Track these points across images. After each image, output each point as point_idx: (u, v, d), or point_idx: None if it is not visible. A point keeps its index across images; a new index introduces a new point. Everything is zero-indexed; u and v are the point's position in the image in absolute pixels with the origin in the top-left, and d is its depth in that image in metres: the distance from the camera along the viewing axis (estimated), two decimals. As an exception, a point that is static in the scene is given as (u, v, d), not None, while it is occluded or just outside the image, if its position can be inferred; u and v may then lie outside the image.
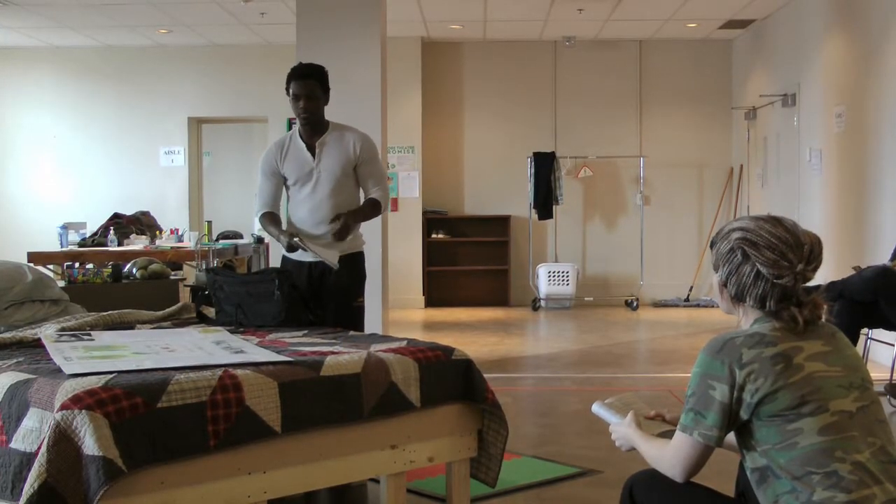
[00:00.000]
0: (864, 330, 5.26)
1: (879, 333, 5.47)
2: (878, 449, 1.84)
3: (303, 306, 3.72)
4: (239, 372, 2.67)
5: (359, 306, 4.07)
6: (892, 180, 6.51)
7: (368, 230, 6.75)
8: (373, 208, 4.01)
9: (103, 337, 3.26)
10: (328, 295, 3.94)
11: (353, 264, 4.02)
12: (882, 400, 4.92)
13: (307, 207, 3.95)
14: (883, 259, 5.57)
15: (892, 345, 5.34)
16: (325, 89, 3.95)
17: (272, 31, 9.89)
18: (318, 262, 3.91)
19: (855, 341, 4.95)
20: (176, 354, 2.90)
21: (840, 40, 7.46)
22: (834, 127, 7.49)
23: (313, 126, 3.94)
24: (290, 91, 3.91)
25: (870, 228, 6.86)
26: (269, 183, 4.04)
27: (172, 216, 10.21)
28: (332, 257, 3.83)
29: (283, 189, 4.05)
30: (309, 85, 3.88)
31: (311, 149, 3.94)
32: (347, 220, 3.84)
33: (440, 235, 10.53)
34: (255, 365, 2.73)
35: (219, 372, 2.64)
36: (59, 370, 2.66)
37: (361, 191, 4.09)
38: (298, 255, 3.97)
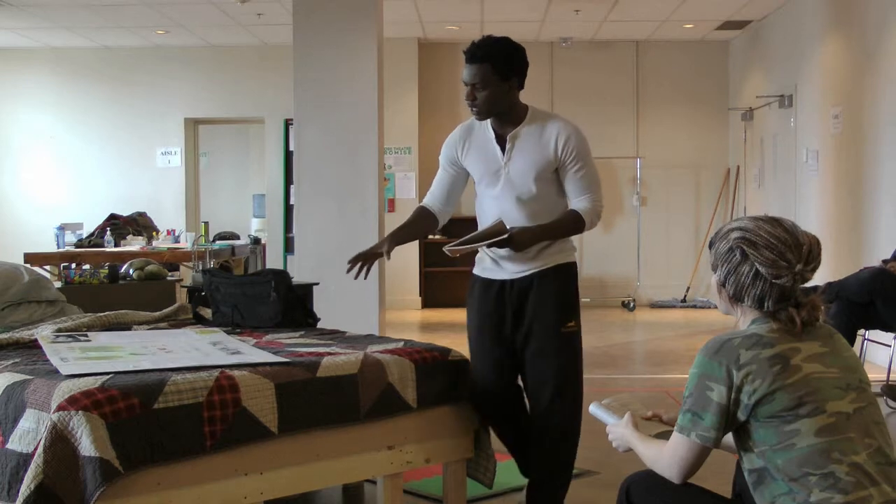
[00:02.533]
0: (861, 331, 5.26)
1: (876, 334, 5.48)
2: (874, 450, 1.85)
3: (300, 307, 3.71)
4: (236, 373, 2.67)
5: (570, 332, 3.06)
6: (889, 181, 6.52)
7: (366, 231, 6.79)
8: (573, 223, 3.04)
9: (100, 338, 3.25)
10: (529, 315, 3.04)
11: (560, 277, 3.07)
12: (879, 401, 4.92)
13: (493, 213, 3.07)
14: (880, 260, 5.57)
15: (889, 346, 5.34)
16: (508, 72, 2.99)
17: (269, 32, 9.88)
18: (515, 280, 3.05)
19: (852, 342, 4.96)
20: (173, 355, 2.90)
21: (837, 41, 7.48)
22: (831, 128, 7.50)
23: (499, 117, 3.05)
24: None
25: (866, 229, 6.87)
26: (445, 174, 3.24)
27: (169, 217, 10.20)
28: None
29: (463, 184, 3.26)
30: (479, 71, 2.97)
31: (502, 141, 3.06)
32: (522, 240, 2.95)
33: (437, 236, 10.49)
34: (252, 366, 2.73)
35: (215, 373, 2.64)
36: (56, 371, 2.65)
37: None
38: (483, 272, 3.14)
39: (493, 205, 3.08)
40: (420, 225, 3.26)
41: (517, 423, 3.17)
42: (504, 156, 3.04)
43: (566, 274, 3.09)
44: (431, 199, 3.26)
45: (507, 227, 2.94)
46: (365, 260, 3.05)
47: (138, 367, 2.66)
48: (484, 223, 3.08)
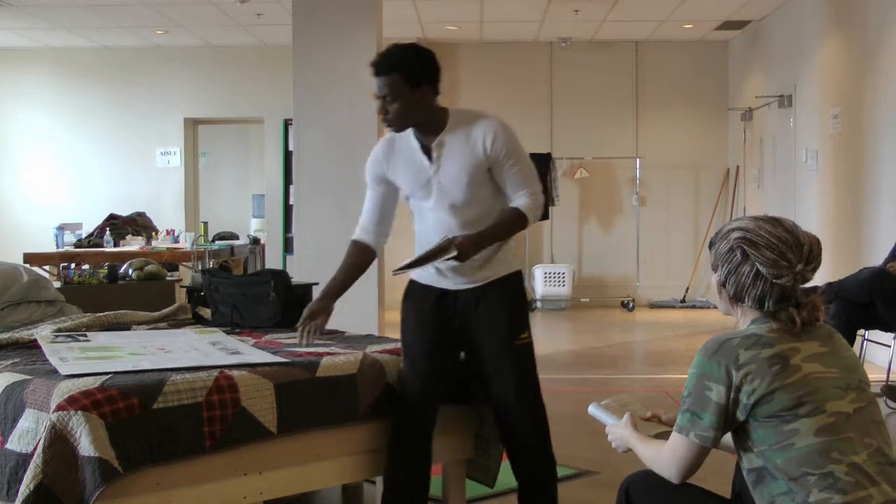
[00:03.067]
0: (861, 331, 5.27)
1: (876, 335, 5.48)
2: (874, 450, 1.84)
3: (299, 307, 3.70)
4: (235, 373, 2.67)
5: (523, 345, 2.91)
6: (889, 181, 6.52)
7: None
8: (515, 222, 2.87)
9: (99, 338, 3.25)
10: (476, 332, 2.88)
11: (507, 290, 2.91)
12: (879, 401, 4.93)
13: (432, 227, 2.91)
14: (879, 260, 5.58)
15: (889, 346, 5.34)
16: (418, 80, 2.81)
17: (268, 32, 9.88)
18: (459, 291, 2.88)
19: (851, 342, 4.96)
20: (172, 355, 2.90)
21: (836, 42, 7.48)
22: (830, 128, 7.50)
23: (419, 126, 2.89)
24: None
25: (866, 229, 6.87)
26: (374, 194, 3.02)
27: (168, 217, 10.20)
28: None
29: (395, 201, 3.05)
30: (387, 82, 2.81)
31: (427, 151, 2.89)
32: (464, 249, 2.75)
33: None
34: (251, 366, 2.73)
35: (214, 373, 2.64)
36: (55, 371, 2.65)
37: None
38: (423, 278, 2.96)
39: (430, 216, 2.91)
40: (357, 266, 3.06)
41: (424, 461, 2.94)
42: (432, 165, 2.87)
43: (513, 285, 2.93)
44: (363, 232, 3.05)
45: (452, 241, 2.78)
46: (314, 329, 2.96)
47: (138, 367, 2.66)
48: (423, 236, 2.94)
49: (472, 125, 2.89)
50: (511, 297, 2.92)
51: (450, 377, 2.97)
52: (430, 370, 2.90)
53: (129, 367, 2.65)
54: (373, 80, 2.85)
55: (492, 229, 2.84)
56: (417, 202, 2.94)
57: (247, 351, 2.98)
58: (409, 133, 2.92)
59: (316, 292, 4.40)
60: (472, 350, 2.93)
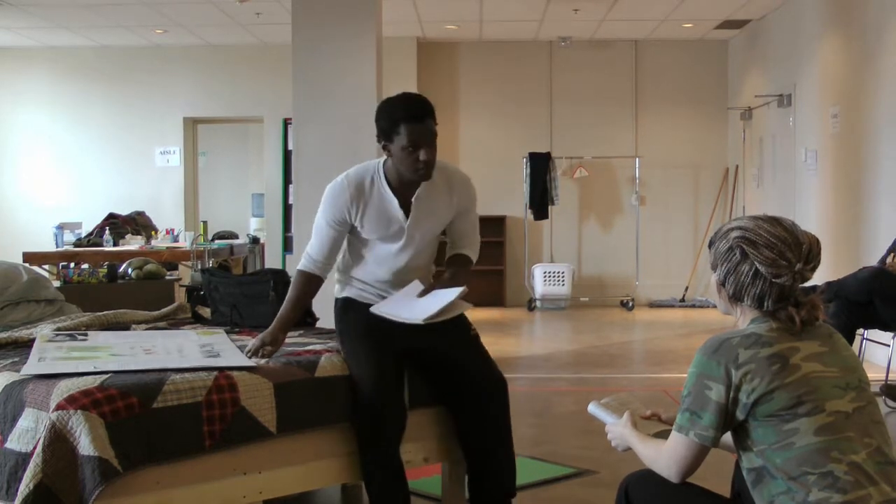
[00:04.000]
0: (860, 330, 5.27)
1: (875, 334, 5.48)
2: (874, 450, 1.84)
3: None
4: (235, 372, 2.67)
5: (475, 335, 3.15)
6: (888, 181, 6.52)
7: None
8: (468, 272, 3.11)
9: (97, 337, 3.25)
10: (427, 332, 2.92)
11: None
12: (878, 400, 4.93)
13: (387, 268, 3.04)
14: (878, 259, 5.57)
15: (888, 345, 5.35)
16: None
17: (268, 32, 9.88)
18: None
19: (851, 342, 4.96)
20: (151, 357, 2.86)
21: (836, 41, 7.48)
22: (830, 127, 7.50)
23: (401, 178, 2.95)
24: (401, 136, 2.83)
25: (865, 229, 6.87)
26: (331, 233, 3.01)
27: (168, 216, 10.19)
28: (417, 314, 2.91)
29: (344, 238, 3.09)
30: (431, 127, 2.85)
31: (403, 202, 2.96)
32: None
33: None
34: (220, 369, 2.68)
35: (214, 372, 2.64)
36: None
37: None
38: (365, 299, 3.07)
39: (388, 258, 3.02)
40: (308, 296, 3.11)
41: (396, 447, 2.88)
42: (408, 219, 2.97)
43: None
44: (314, 265, 3.06)
45: (422, 286, 2.98)
46: (262, 355, 2.90)
47: (103, 369, 2.61)
48: (370, 275, 3.06)
49: (450, 181, 3.02)
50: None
51: (401, 379, 2.96)
52: (385, 369, 2.86)
53: (91, 369, 2.60)
54: (414, 126, 2.83)
55: (464, 278, 3.08)
56: (376, 243, 3.02)
57: (227, 355, 2.93)
58: (381, 181, 2.96)
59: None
60: (418, 349, 2.97)
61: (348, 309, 3.08)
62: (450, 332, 2.99)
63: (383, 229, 2.99)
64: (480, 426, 2.98)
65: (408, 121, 2.82)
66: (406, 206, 2.97)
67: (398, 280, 3.06)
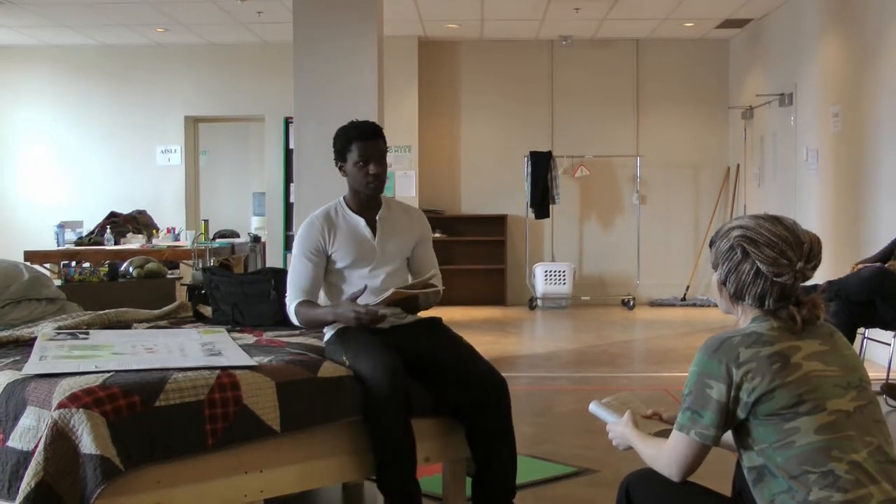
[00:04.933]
0: (861, 329, 5.27)
1: (876, 333, 5.48)
2: (874, 448, 1.85)
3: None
4: (237, 371, 2.67)
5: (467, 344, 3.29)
6: (889, 179, 6.52)
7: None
8: (437, 293, 3.14)
9: (99, 336, 3.25)
10: (418, 334, 3.18)
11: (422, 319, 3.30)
12: (879, 399, 4.93)
13: (359, 286, 3.17)
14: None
15: (889, 344, 5.35)
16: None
17: (269, 30, 9.88)
18: (389, 328, 3.17)
19: (852, 340, 4.96)
20: (152, 356, 2.86)
21: (836, 40, 7.48)
22: (830, 126, 7.50)
23: (362, 201, 3.24)
24: (353, 153, 3.16)
25: (866, 228, 6.87)
26: (312, 265, 3.18)
27: (169, 215, 10.19)
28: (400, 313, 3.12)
29: (323, 273, 3.24)
30: (380, 146, 3.19)
31: (369, 222, 3.23)
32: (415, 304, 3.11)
33: (436, 234, 10.51)
34: (222, 368, 2.68)
35: (216, 371, 2.64)
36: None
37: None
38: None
39: (363, 280, 3.17)
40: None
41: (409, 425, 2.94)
42: (375, 237, 3.22)
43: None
44: (303, 293, 3.17)
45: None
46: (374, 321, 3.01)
47: (102, 368, 2.62)
48: (346, 295, 3.16)
49: (407, 210, 3.36)
50: (433, 320, 3.29)
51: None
52: (394, 359, 2.90)
53: (91, 368, 2.61)
54: (364, 143, 3.15)
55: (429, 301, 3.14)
56: (351, 271, 3.21)
57: (229, 353, 2.94)
58: (344, 209, 3.25)
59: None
60: (418, 356, 3.05)
61: (345, 331, 3.08)
62: (444, 337, 3.17)
63: (356, 251, 3.20)
64: (484, 427, 3.02)
65: (359, 139, 3.16)
66: (372, 226, 3.23)
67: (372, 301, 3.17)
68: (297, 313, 3.15)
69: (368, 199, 3.23)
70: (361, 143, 3.15)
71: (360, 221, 3.22)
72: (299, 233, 3.24)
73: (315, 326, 3.21)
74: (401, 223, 3.29)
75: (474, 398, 3.00)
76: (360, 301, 3.05)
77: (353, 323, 2.99)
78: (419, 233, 3.32)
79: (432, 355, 3.08)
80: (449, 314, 3.18)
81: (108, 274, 5.30)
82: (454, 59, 10.78)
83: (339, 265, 3.21)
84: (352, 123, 3.25)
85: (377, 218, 3.24)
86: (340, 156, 3.21)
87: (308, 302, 3.16)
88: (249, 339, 3.32)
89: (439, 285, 3.13)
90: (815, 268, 1.94)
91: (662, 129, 10.73)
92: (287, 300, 3.19)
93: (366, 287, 3.09)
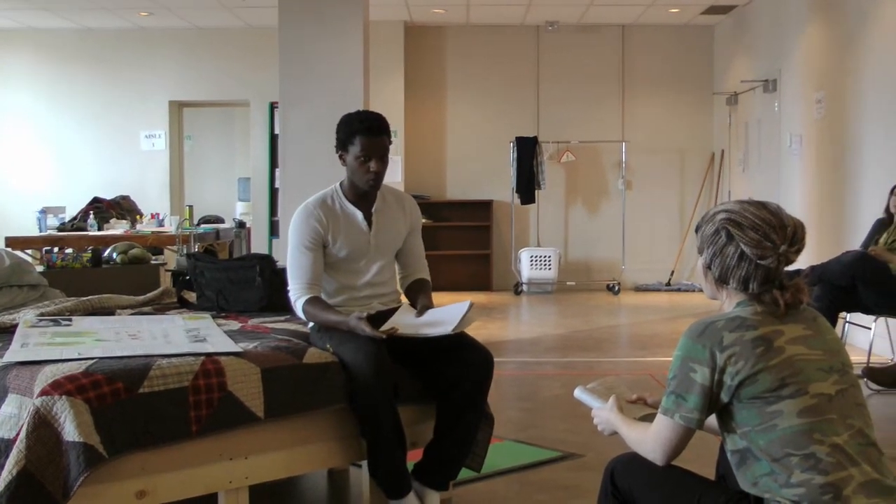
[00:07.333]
0: (843, 314, 5.31)
1: (857, 317, 5.52)
2: (855, 431, 1.86)
3: (285, 292, 3.68)
4: (222, 357, 2.67)
5: None
6: (871, 165, 6.56)
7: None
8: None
9: (82, 322, 3.23)
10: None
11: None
12: (860, 383, 4.97)
13: (360, 282, 3.19)
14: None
15: (870, 329, 5.39)
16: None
17: (254, 15, 9.81)
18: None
19: (834, 325, 5.00)
20: (137, 342, 2.84)
21: (820, 27, 7.49)
22: (814, 113, 7.53)
23: (359, 194, 3.18)
24: (356, 147, 3.07)
25: (849, 213, 6.91)
26: (314, 255, 3.10)
27: (153, 200, 10.13)
28: (442, 328, 2.99)
29: (321, 261, 3.17)
30: (384, 142, 3.10)
31: (365, 215, 3.19)
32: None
33: (423, 220, 10.50)
34: (207, 355, 2.68)
35: (201, 357, 2.63)
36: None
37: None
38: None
39: (358, 272, 3.17)
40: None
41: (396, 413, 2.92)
42: (371, 229, 3.18)
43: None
44: (315, 288, 3.09)
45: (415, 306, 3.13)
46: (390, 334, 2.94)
47: (85, 355, 2.60)
48: (346, 287, 3.16)
49: (400, 199, 3.31)
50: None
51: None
52: (377, 340, 2.88)
53: (75, 355, 2.59)
54: (368, 139, 3.05)
55: (429, 300, 3.21)
56: (348, 262, 3.16)
57: (214, 340, 2.93)
58: (342, 199, 3.18)
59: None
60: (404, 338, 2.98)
61: (332, 332, 3.04)
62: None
63: (352, 244, 3.14)
64: (457, 397, 2.98)
65: (363, 133, 3.06)
66: (368, 219, 3.19)
67: (373, 293, 3.21)
68: (304, 312, 3.06)
69: (366, 192, 3.17)
70: (365, 139, 3.05)
71: (359, 215, 3.17)
72: (295, 223, 3.12)
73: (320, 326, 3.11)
74: (395, 215, 3.25)
75: (458, 370, 2.99)
76: (345, 298, 3.12)
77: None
78: (411, 224, 3.32)
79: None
80: (435, 300, 3.17)
81: (91, 260, 5.26)
82: (440, 44, 10.74)
83: (333, 257, 3.14)
84: (358, 114, 3.15)
85: (373, 211, 3.20)
86: (342, 146, 3.12)
87: (317, 301, 3.06)
88: (234, 325, 3.31)
89: (429, 279, 3.21)
90: (798, 251, 1.95)
91: (648, 114, 10.74)
92: (291, 295, 3.08)
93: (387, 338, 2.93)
